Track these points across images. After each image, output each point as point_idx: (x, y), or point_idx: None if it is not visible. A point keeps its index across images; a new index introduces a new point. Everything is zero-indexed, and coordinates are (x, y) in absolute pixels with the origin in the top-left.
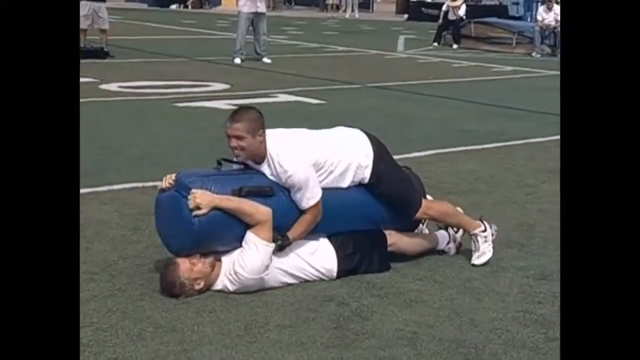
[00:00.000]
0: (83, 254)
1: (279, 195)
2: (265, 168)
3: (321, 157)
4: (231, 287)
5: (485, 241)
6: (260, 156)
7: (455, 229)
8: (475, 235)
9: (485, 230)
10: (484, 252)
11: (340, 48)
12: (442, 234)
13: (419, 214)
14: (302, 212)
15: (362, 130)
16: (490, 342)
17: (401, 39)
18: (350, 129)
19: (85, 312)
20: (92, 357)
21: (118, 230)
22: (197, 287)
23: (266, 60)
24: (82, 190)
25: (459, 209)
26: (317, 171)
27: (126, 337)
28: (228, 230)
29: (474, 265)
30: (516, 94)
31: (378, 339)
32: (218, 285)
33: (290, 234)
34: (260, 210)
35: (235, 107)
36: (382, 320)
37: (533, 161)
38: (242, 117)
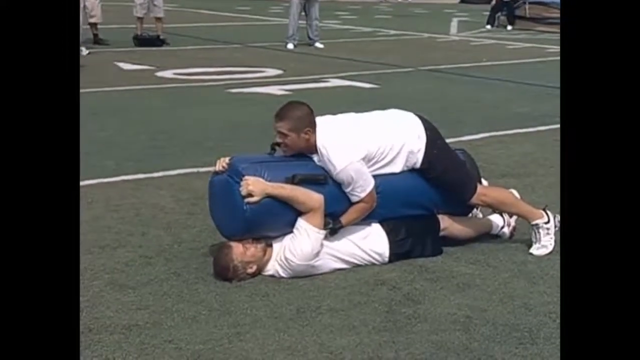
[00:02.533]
0: (139, 238)
1: (331, 183)
2: (316, 159)
3: (372, 148)
4: (282, 273)
5: (548, 233)
6: (309, 151)
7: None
8: (537, 225)
9: (548, 222)
10: (544, 245)
11: (392, 32)
12: (496, 218)
13: (473, 200)
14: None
15: (415, 113)
16: (545, 326)
17: (454, 22)
18: (404, 112)
19: (142, 295)
20: (149, 340)
21: (173, 215)
22: (249, 270)
23: (318, 45)
24: (137, 176)
25: (514, 191)
26: (369, 162)
27: (181, 320)
28: (279, 217)
29: (531, 254)
30: None
31: (430, 323)
32: (269, 271)
33: (343, 219)
34: (312, 198)
35: (288, 93)
36: (434, 304)
37: None
38: (287, 115)
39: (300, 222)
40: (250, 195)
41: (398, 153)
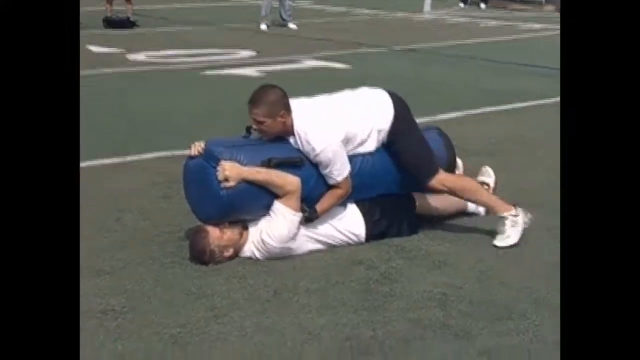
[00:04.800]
0: (114, 223)
1: (308, 165)
2: (293, 142)
3: (350, 131)
4: (259, 255)
5: (514, 225)
6: (287, 133)
7: (486, 188)
8: (504, 218)
9: (516, 216)
10: (509, 236)
11: (367, 11)
12: None
13: (433, 184)
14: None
15: (385, 89)
16: (520, 302)
17: (428, 0)
18: (374, 90)
19: (118, 280)
20: (126, 324)
21: (149, 199)
22: (226, 254)
23: (292, 25)
24: (112, 160)
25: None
26: (346, 143)
27: (158, 304)
28: (256, 201)
29: (495, 246)
30: (545, 52)
31: (407, 301)
32: (246, 253)
33: (318, 207)
34: (288, 181)
35: (263, 75)
36: (411, 282)
37: None
38: (260, 100)
39: (277, 205)
40: (226, 180)
41: (370, 133)
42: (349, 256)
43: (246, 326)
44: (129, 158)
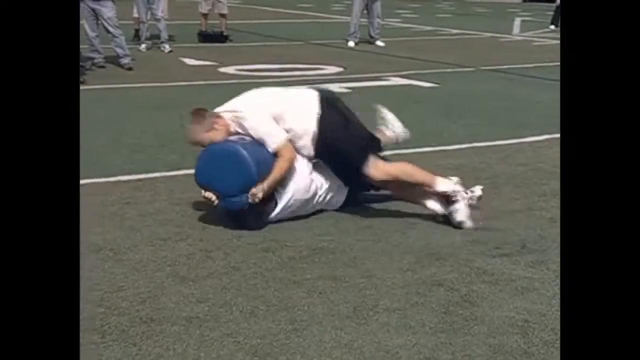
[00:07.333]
0: (199, 232)
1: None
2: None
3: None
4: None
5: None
6: (228, 130)
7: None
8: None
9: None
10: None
11: (454, 31)
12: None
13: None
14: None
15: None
16: None
17: (517, 21)
18: (305, 91)
19: (202, 288)
20: (208, 332)
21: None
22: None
23: (379, 43)
24: None
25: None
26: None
27: (240, 314)
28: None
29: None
30: None
31: (488, 326)
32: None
33: (265, 184)
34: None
35: (348, 91)
36: (492, 307)
37: None
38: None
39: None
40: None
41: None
42: (429, 277)
43: (325, 341)
44: None
